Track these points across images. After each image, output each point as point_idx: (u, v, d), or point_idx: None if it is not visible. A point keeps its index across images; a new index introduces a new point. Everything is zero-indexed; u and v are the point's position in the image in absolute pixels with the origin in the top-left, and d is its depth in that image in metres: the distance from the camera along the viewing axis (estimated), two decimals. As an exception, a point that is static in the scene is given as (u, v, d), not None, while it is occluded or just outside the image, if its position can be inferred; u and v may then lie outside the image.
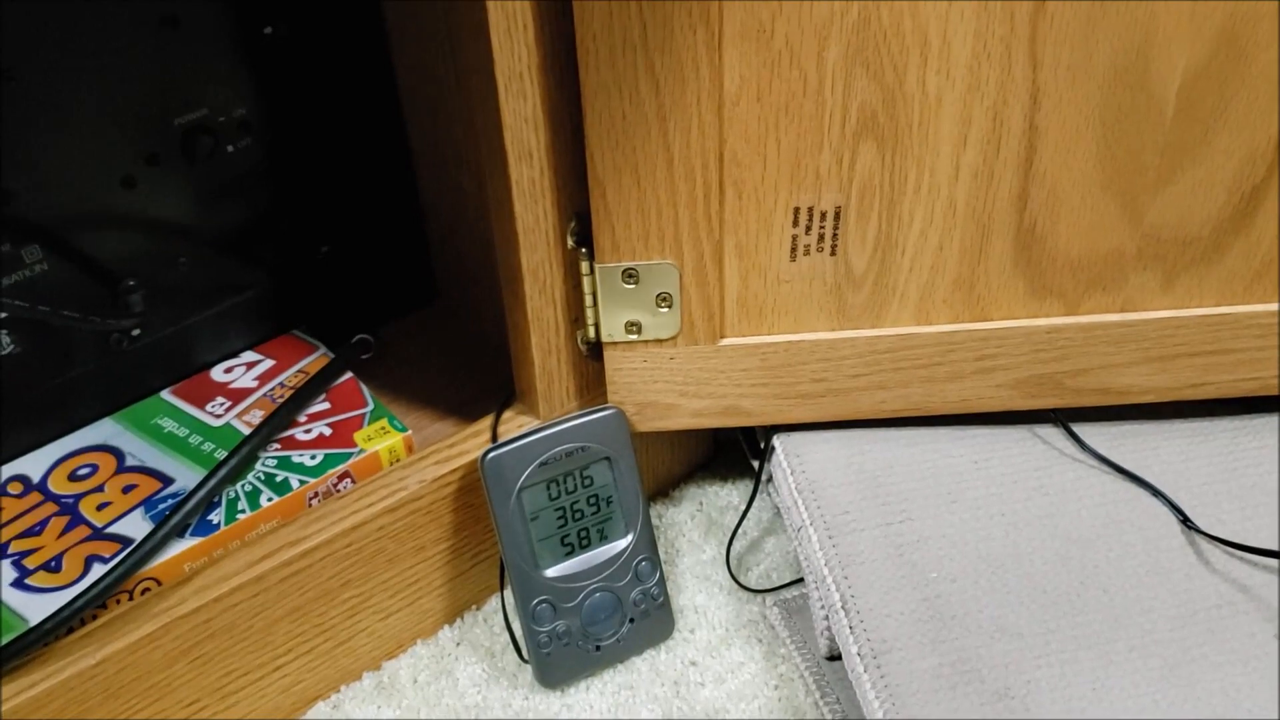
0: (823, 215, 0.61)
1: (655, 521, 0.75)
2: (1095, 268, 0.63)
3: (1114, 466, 0.68)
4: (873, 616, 0.62)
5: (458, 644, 0.70)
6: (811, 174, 0.59)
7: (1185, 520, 0.65)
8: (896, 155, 0.59)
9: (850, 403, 0.68)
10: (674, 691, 0.67)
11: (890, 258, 0.62)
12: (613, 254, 0.61)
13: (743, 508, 0.77)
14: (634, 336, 0.64)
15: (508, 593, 0.68)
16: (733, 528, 0.75)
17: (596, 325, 0.64)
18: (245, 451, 0.63)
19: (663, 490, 0.79)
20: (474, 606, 0.72)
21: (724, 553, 0.74)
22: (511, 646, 0.69)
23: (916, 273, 0.63)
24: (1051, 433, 0.70)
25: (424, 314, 0.81)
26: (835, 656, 0.66)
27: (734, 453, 0.80)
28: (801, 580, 0.72)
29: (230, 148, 0.67)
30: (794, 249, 0.62)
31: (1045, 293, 0.64)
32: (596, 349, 0.66)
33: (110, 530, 0.62)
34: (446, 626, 0.71)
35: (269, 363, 0.72)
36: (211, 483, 0.61)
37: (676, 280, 0.62)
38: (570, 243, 0.62)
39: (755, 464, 0.73)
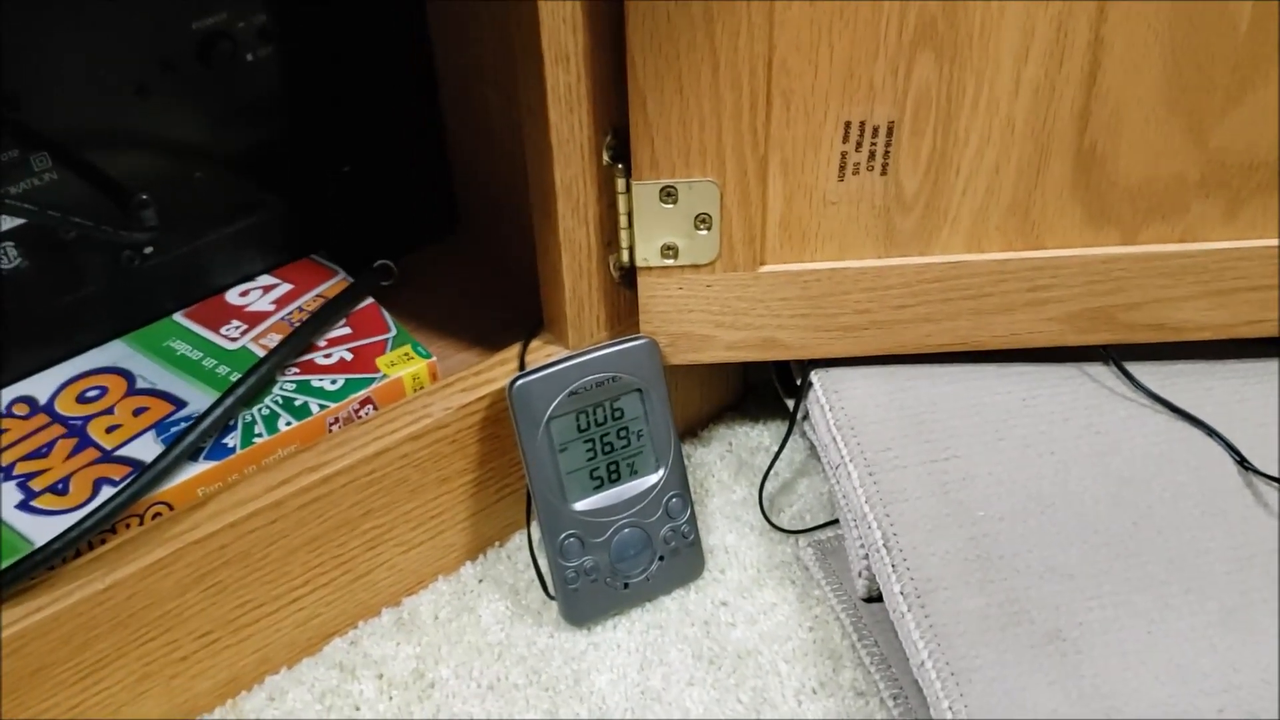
0: (874, 131, 0.58)
1: (685, 462, 0.72)
2: (1155, 194, 0.60)
3: (1167, 405, 0.65)
4: (916, 555, 0.59)
5: (480, 580, 0.68)
6: (865, 85, 0.56)
7: (1241, 460, 0.62)
8: (955, 67, 0.56)
9: (894, 336, 0.65)
10: (704, 631, 0.65)
11: (944, 179, 0.59)
12: (651, 170, 0.58)
13: (774, 450, 0.74)
14: (670, 261, 0.61)
15: (534, 527, 0.66)
16: (764, 469, 0.72)
17: (631, 248, 0.61)
18: (262, 372, 0.60)
19: (691, 430, 0.76)
20: (498, 543, 0.69)
21: (755, 493, 0.71)
22: (536, 583, 0.66)
23: (970, 196, 0.60)
24: (1101, 371, 0.67)
25: (447, 241, 0.78)
26: (873, 598, 0.64)
27: (764, 394, 0.78)
28: (836, 522, 0.69)
29: (249, 56, 0.64)
30: (843, 167, 0.59)
31: (1103, 220, 0.61)
32: (630, 275, 0.63)
33: (120, 453, 0.60)
34: (469, 562, 0.68)
35: (286, 287, 0.69)
36: (227, 403, 0.58)
37: (717, 200, 0.59)
38: (606, 158, 0.59)
39: (789, 402, 0.70)
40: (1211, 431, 0.64)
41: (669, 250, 0.61)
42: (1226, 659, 0.55)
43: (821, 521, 0.70)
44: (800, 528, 0.70)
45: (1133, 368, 0.67)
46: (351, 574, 0.63)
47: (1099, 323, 0.64)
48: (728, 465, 0.74)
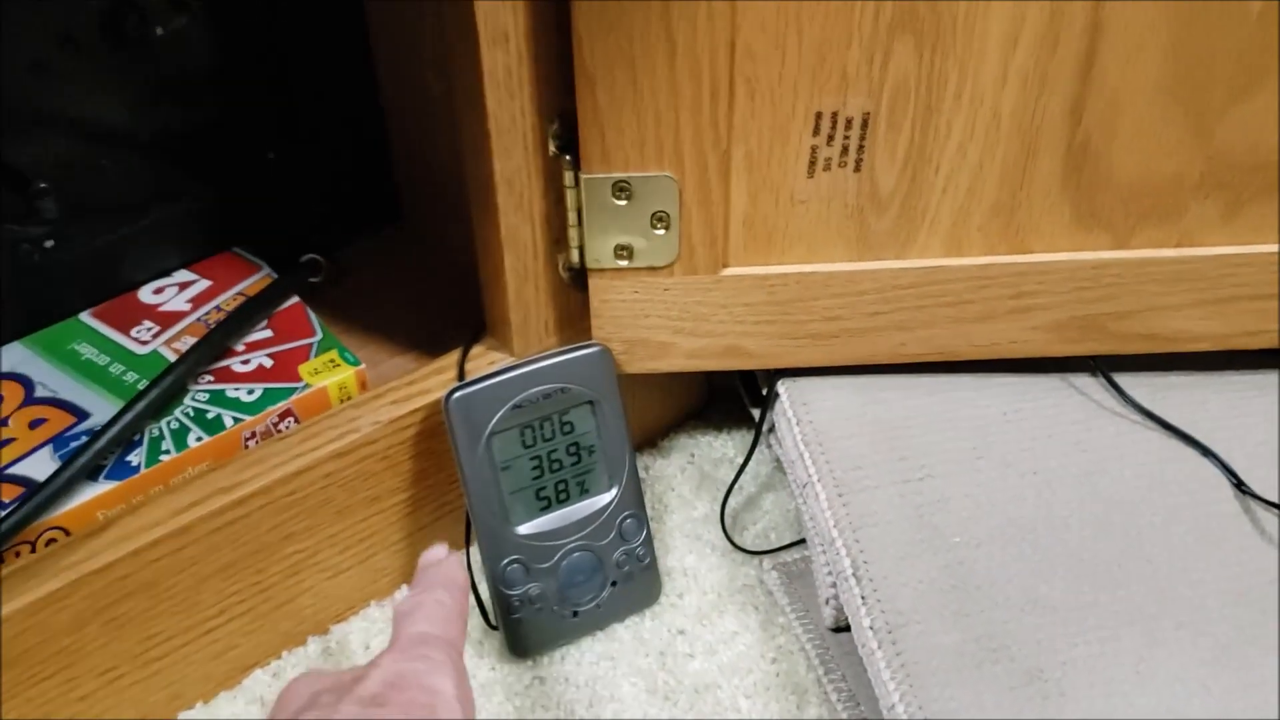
0: (848, 123, 0.52)
1: (641, 474, 0.67)
2: (1152, 195, 0.56)
3: (1159, 421, 0.60)
4: (888, 585, 0.55)
5: (416, 606, 0.62)
6: (837, 73, 0.51)
7: (1238, 483, 0.58)
8: (936, 55, 0.51)
9: (866, 345, 0.60)
10: (659, 663, 0.60)
11: (922, 176, 0.54)
12: (602, 163, 0.53)
13: (739, 460, 0.69)
14: (624, 263, 0.56)
15: (474, 549, 0.60)
16: (727, 482, 0.67)
17: (581, 248, 0.56)
18: (170, 381, 0.55)
19: (650, 440, 0.71)
20: (435, 564, 0.64)
21: (718, 509, 0.66)
22: (478, 611, 0.61)
23: (951, 195, 0.55)
24: (1089, 383, 0.63)
25: (383, 235, 0.72)
26: (841, 628, 0.59)
27: (730, 399, 0.73)
28: (803, 541, 0.64)
29: (160, 29, 0.58)
30: (813, 162, 0.53)
31: (1093, 222, 0.56)
32: (580, 276, 0.58)
33: (12, 471, 0.54)
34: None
35: (205, 283, 0.64)
36: (128, 416, 0.53)
37: (675, 197, 0.54)
38: (552, 148, 0.53)
39: (755, 412, 0.65)
40: (1206, 451, 0.59)
41: (623, 251, 0.56)
42: (1222, 701, 0.51)
43: (787, 541, 0.65)
44: (765, 548, 0.65)
45: (1122, 380, 0.62)
46: (272, 602, 0.58)
47: (1087, 332, 0.60)
48: (689, 478, 0.69)
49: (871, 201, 0.55)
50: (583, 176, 0.53)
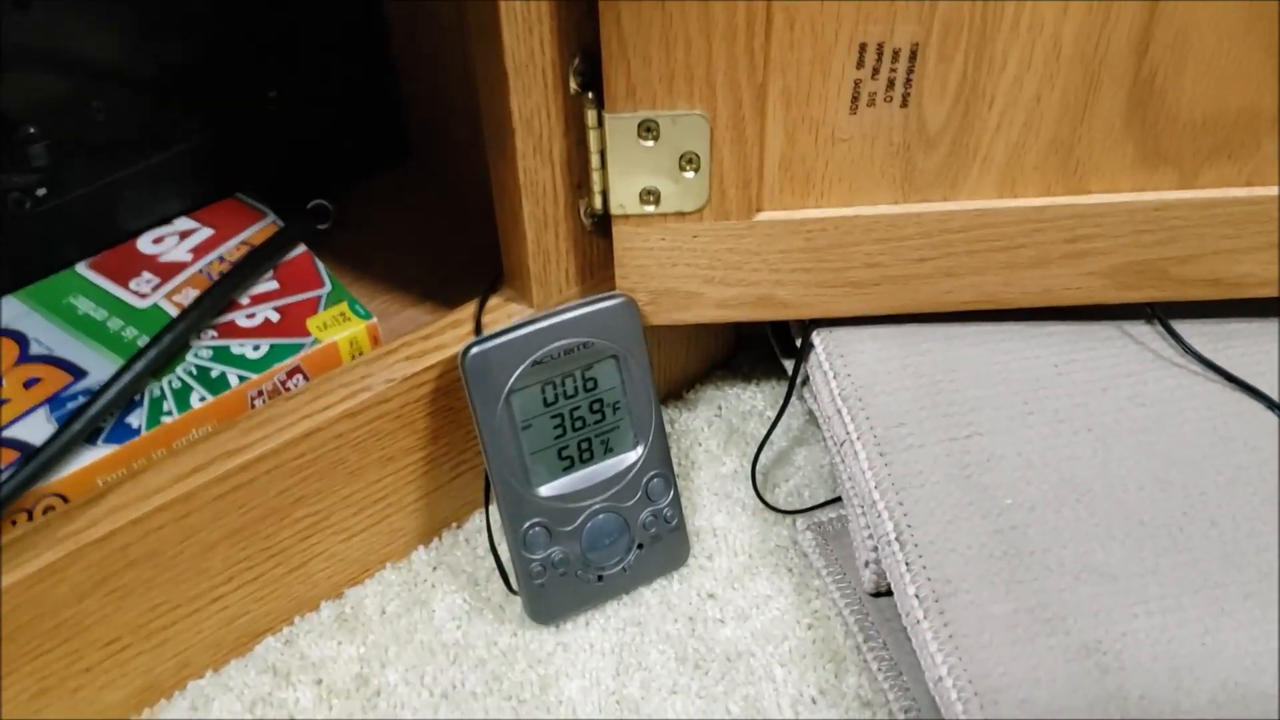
0: (895, 54, 0.48)
1: (666, 428, 0.64)
2: (1222, 130, 0.52)
3: (1221, 373, 0.57)
4: (934, 551, 0.51)
5: (434, 568, 0.60)
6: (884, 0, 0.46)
7: (1308, 439, 0.54)
8: (993, -23, 0.46)
9: (910, 293, 0.56)
10: (689, 629, 0.57)
11: (974, 111, 0.50)
12: (627, 100, 0.49)
13: (769, 413, 0.66)
14: (650, 208, 0.52)
15: (494, 511, 0.57)
16: (757, 436, 0.64)
17: (604, 193, 0.52)
18: (171, 338, 0.51)
19: (675, 392, 0.68)
20: (454, 524, 0.61)
21: (748, 466, 0.63)
22: (499, 575, 0.58)
23: (1005, 131, 0.51)
24: (1145, 332, 0.59)
25: (394, 177, 0.68)
26: (881, 593, 0.56)
27: (759, 348, 0.69)
28: (839, 499, 0.61)
29: (151, -41, 0.54)
30: (856, 97, 0.49)
31: (1158, 160, 0.52)
32: (603, 223, 0.54)
33: (7, 434, 0.51)
34: (421, 547, 0.60)
35: (206, 232, 0.60)
36: (128, 376, 0.50)
37: (706, 136, 0.50)
38: (574, 86, 0.49)
39: (787, 364, 0.62)
40: (1272, 404, 0.56)
41: (649, 195, 0.52)
42: (1293, 674, 0.48)
43: (822, 500, 0.62)
44: (798, 507, 0.62)
45: (1181, 328, 0.58)
46: (284, 566, 0.55)
47: (1146, 277, 0.56)
48: (716, 432, 0.66)
49: (919, 139, 0.51)
50: (606, 115, 0.49)
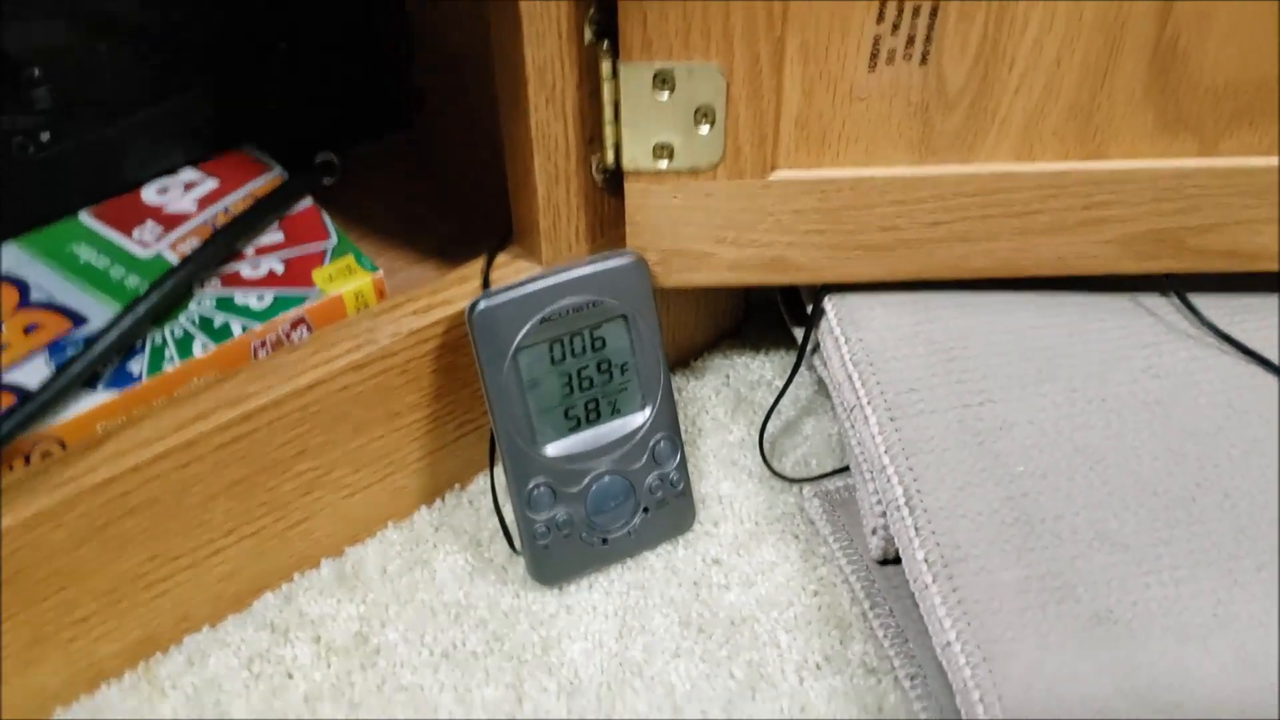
0: (915, 11, 0.47)
1: (674, 395, 0.63)
2: (1244, 96, 0.51)
3: (1238, 346, 0.56)
4: (944, 516, 0.51)
5: (437, 529, 0.59)
6: (908, -49, 0.46)
7: (1323, 414, 0.54)
8: (1018, -69, 0.45)
9: (924, 258, 0.55)
10: (693, 594, 0.56)
11: (994, 73, 0.49)
12: (642, 51, 0.48)
13: (777, 383, 0.65)
14: (663, 164, 0.51)
15: (499, 471, 0.57)
16: (765, 406, 0.63)
17: (618, 147, 0.51)
18: (173, 283, 0.51)
19: (683, 360, 0.67)
20: (458, 485, 0.60)
21: (755, 434, 0.62)
22: (502, 534, 0.57)
23: (1024, 94, 0.50)
24: (1160, 304, 0.58)
25: (403, 136, 0.67)
26: (889, 561, 0.55)
27: (768, 318, 0.68)
28: (847, 469, 0.60)
29: (159, -99, 0.53)
30: (875, 54, 0.49)
31: (1179, 127, 0.52)
32: (616, 179, 0.53)
33: (6, 379, 0.50)
34: (424, 507, 0.60)
35: (212, 183, 0.59)
36: (128, 320, 0.49)
37: (722, 90, 0.49)
38: (589, 35, 0.48)
39: (797, 332, 0.61)
40: (1288, 378, 0.55)
41: (663, 151, 0.51)
42: (1305, 647, 0.47)
43: (830, 469, 0.61)
44: (805, 475, 0.61)
45: (1197, 300, 0.58)
46: (284, 521, 0.55)
47: (1164, 247, 0.55)
48: (724, 401, 0.65)
49: (938, 99, 0.50)
50: (621, 66, 0.48)
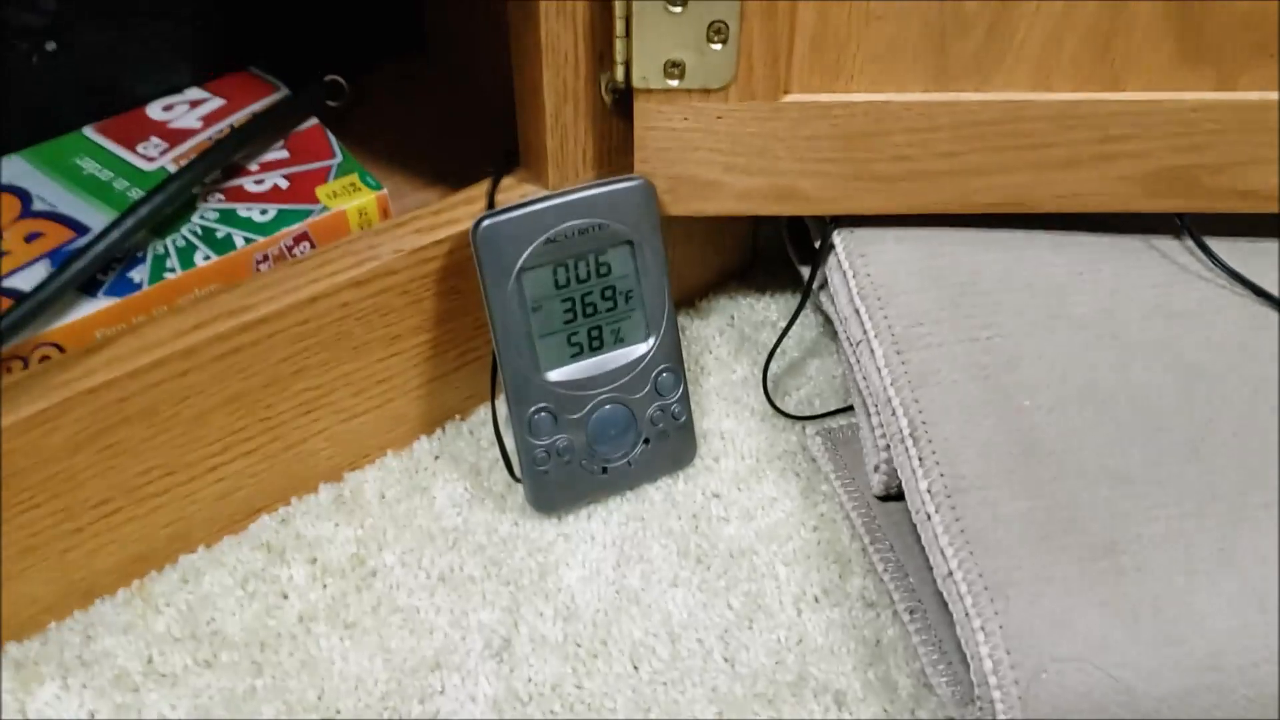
0: (934, -74, 0.47)
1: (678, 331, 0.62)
2: (1267, 25, 0.50)
3: (1250, 286, 0.55)
4: (949, 447, 0.50)
5: (436, 458, 0.58)
6: None
7: (1336, 357, 0.53)
8: None
9: (936, 190, 0.55)
10: (692, 526, 0.56)
11: (1012, -6, 0.49)
12: (657, -37, 0.47)
13: (782, 325, 0.65)
14: (674, 83, 0.51)
15: (500, 401, 0.56)
16: (769, 347, 0.63)
17: (628, 64, 0.50)
18: (174, 188, 0.50)
19: (688, 300, 0.66)
20: (458, 416, 0.60)
21: (758, 373, 0.62)
22: (501, 463, 0.57)
23: (1043, 18, 0.49)
24: (1173, 246, 0.58)
25: (412, 64, 0.66)
26: (890, 497, 0.55)
27: (774, 261, 0.68)
28: (849, 409, 0.60)
29: None
30: (892, -29, 0.48)
31: (1198, 59, 0.51)
32: (625, 100, 0.52)
33: (6, 284, 0.50)
34: (424, 437, 0.59)
35: (217, 102, 0.59)
36: (128, 223, 0.48)
37: (736, 4, 0.48)
38: (602, -54, 0.48)
39: (804, 271, 0.60)
40: (1301, 320, 0.54)
41: (674, 68, 0.50)
42: (1310, 585, 0.47)
43: (833, 408, 0.61)
44: (808, 414, 0.60)
45: (1210, 242, 0.57)
46: (282, 442, 0.54)
47: (1178, 185, 0.54)
48: (728, 341, 0.64)
49: (955, 20, 0.49)
50: (634, -22, 0.48)
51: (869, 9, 0.49)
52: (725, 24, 0.49)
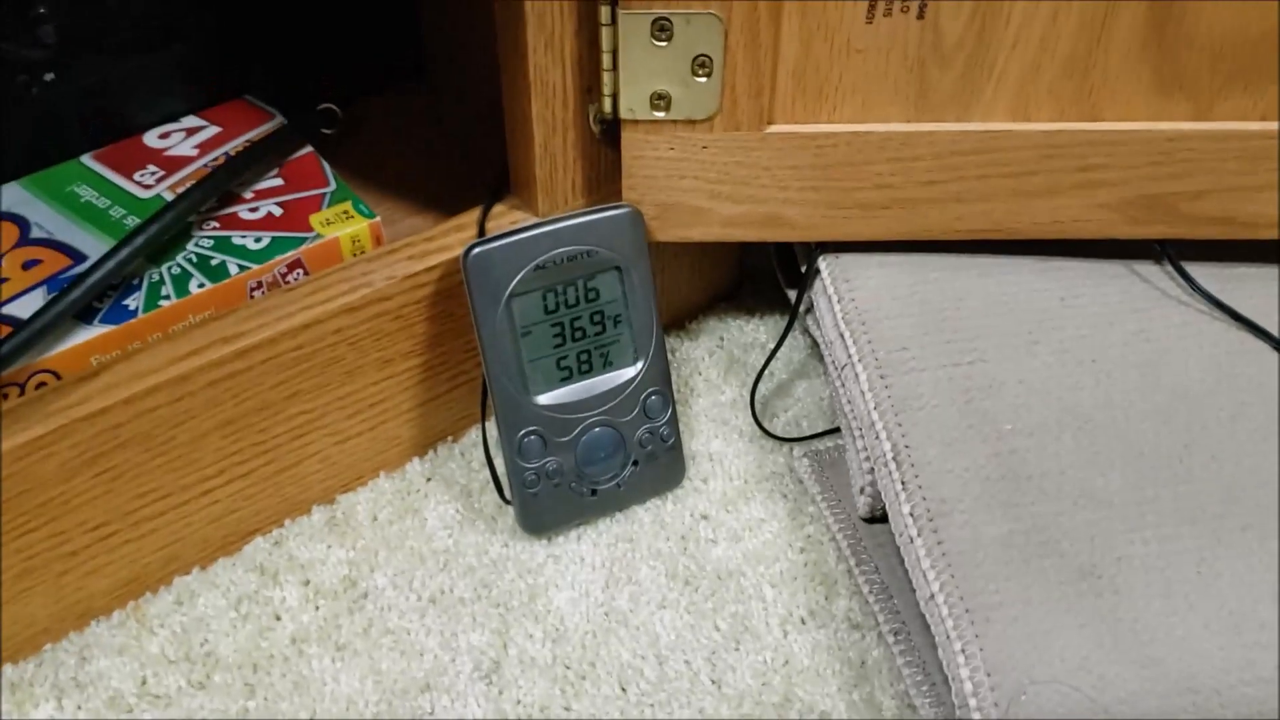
0: (913, -39, 0.48)
1: (667, 354, 0.63)
2: (1241, 57, 0.51)
3: (1228, 312, 0.56)
4: (931, 471, 0.51)
5: (428, 479, 0.59)
6: (907, -100, 0.46)
7: (1313, 381, 0.54)
8: (1017, -117, 0.46)
9: (918, 218, 0.55)
10: (680, 547, 0.56)
11: (991, 27, 0.50)
12: (642, -2, 0.48)
13: (771, 347, 0.65)
14: (660, 114, 0.52)
15: (490, 423, 0.57)
16: (757, 368, 0.63)
17: (615, 96, 0.51)
18: (169, 218, 0.51)
19: (677, 322, 0.67)
20: (449, 438, 0.61)
21: (746, 395, 0.63)
22: (492, 485, 0.58)
23: (1021, 50, 0.50)
24: (1153, 271, 0.58)
25: (407, 95, 0.67)
26: (875, 519, 0.56)
27: (762, 283, 0.69)
28: (837, 431, 0.61)
29: None
30: (873, 6, 0.49)
31: (1174, 88, 0.52)
32: (613, 130, 0.53)
33: (3, 311, 0.51)
34: (416, 459, 0.60)
35: (213, 130, 0.60)
36: (124, 251, 0.49)
37: (720, 39, 0.49)
38: (589, -19, 0.49)
39: (791, 294, 0.61)
40: (1277, 343, 0.55)
41: (660, 100, 0.51)
42: (1287, 606, 0.47)
43: (820, 429, 0.61)
44: (796, 435, 0.61)
45: (1190, 268, 0.58)
46: (275, 465, 0.55)
47: (1157, 213, 0.55)
48: (717, 363, 0.65)
49: (934, 53, 0.50)
50: (620, 12, 0.49)
51: (850, 42, 0.50)
52: (709, 57, 0.50)
